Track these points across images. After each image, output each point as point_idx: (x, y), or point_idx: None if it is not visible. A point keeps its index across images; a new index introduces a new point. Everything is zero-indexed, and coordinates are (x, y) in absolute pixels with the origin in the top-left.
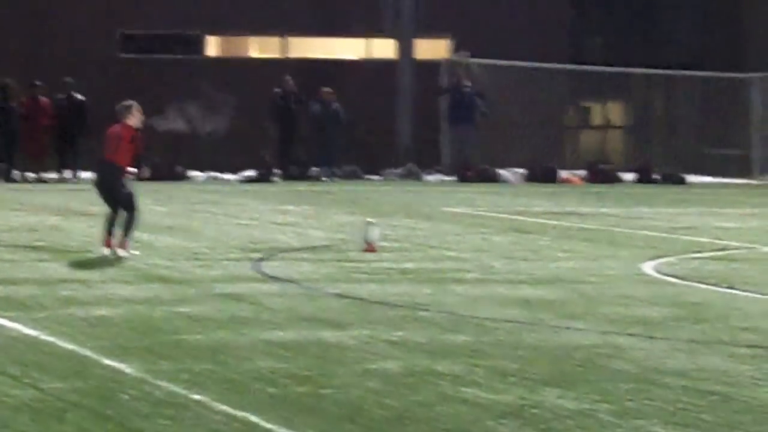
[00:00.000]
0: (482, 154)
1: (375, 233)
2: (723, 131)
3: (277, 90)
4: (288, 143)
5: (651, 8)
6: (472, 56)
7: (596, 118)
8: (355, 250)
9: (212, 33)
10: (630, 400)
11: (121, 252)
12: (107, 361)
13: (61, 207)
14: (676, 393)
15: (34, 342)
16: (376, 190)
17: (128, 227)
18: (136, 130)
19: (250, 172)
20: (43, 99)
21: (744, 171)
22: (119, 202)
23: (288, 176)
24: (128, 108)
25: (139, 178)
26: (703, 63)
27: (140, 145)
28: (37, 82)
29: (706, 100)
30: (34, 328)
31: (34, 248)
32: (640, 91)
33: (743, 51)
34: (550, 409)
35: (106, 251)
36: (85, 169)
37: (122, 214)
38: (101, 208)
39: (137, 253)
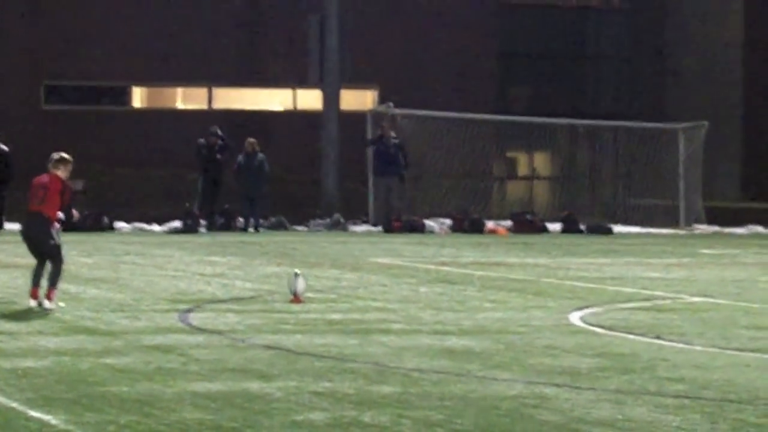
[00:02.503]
0: (408, 205)
1: (301, 284)
2: (649, 181)
3: (201, 140)
4: (213, 194)
5: (576, 60)
6: (398, 107)
7: (522, 169)
8: (282, 301)
9: (138, 84)
10: None
11: (47, 304)
12: (33, 413)
13: None
14: None
15: None
16: (302, 240)
17: (54, 279)
18: (65, 182)
19: (176, 223)
20: None
21: (670, 221)
22: (45, 253)
23: (214, 227)
24: (61, 160)
25: (71, 221)
26: (627, 113)
27: (69, 196)
28: None
29: (632, 150)
30: None
31: None
32: (566, 141)
33: (667, 101)
34: None
35: (32, 303)
36: (10, 220)
37: (48, 266)
38: (27, 259)
39: (63, 305)
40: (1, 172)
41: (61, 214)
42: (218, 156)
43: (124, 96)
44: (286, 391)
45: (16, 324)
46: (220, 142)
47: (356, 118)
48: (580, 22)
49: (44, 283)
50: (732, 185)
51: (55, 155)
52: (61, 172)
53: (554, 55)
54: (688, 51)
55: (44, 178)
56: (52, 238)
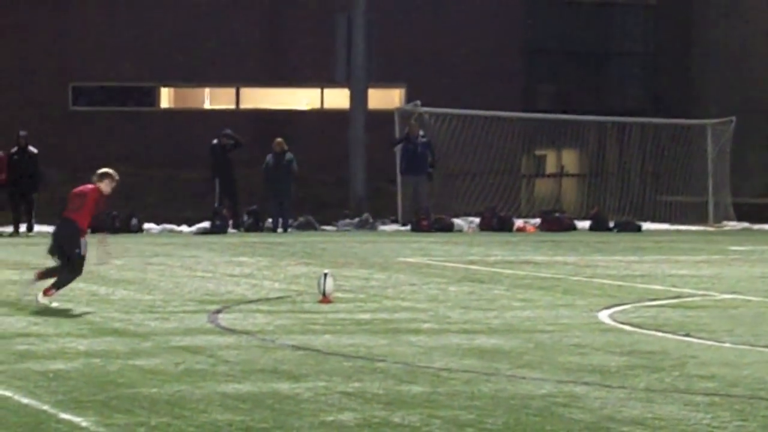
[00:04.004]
0: (436, 204)
1: (330, 284)
2: (677, 178)
3: (214, 141)
4: (232, 193)
5: (602, 57)
6: (425, 105)
7: (550, 166)
8: (311, 301)
9: (166, 85)
10: None
11: (42, 299)
12: (64, 415)
13: (15, 261)
14: None
15: None
16: (330, 240)
17: (62, 283)
18: (103, 195)
19: (205, 224)
20: None
21: (699, 218)
22: (69, 260)
23: (241, 226)
24: (106, 175)
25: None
26: (655, 110)
27: (103, 208)
28: None
29: (660, 147)
30: None
31: None
32: (594, 138)
33: (694, 98)
34: None
35: (32, 280)
36: (40, 222)
37: (65, 270)
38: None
39: (56, 305)
40: (30, 176)
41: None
42: (228, 155)
43: (152, 97)
44: (315, 392)
45: (45, 327)
46: (231, 142)
47: (383, 116)
48: (606, 18)
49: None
50: (761, 181)
51: (102, 170)
52: (105, 186)
53: (580, 52)
54: (715, 46)
55: (85, 187)
56: (79, 248)
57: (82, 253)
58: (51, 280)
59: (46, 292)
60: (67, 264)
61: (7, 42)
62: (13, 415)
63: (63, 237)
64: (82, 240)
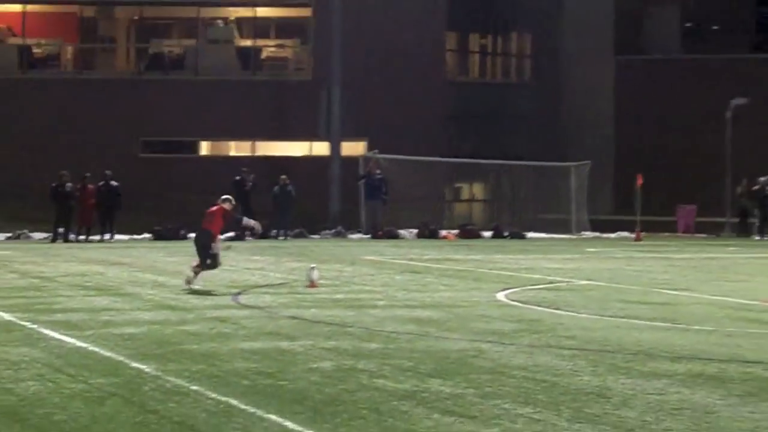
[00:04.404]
0: (388, 220)
1: (315, 274)
2: (551, 202)
3: (237, 177)
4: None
5: (501, 119)
6: (382, 153)
7: (465, 194)
8: (302, 286)
9: (204, 139)
10: (489, 386)
11: (194, 282)
12: (134, 364)
13: (102, 259)
14: (520, 381)
15: (84, 351)
16: (316, 245)
17: (203, 268)
18: (227, 211)
19: (230, 234)
20: (90, 185)
21: (566, 229)
22: (205, 257)
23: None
24: (227, 200)
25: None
26: (537, 156)
27: (229, 220)
28: (87, 174)
29: (540, 181)
30: (84, 342)
31: (84, 287)
32: (494, 176)
33: (564, 147)
34: (434, 393)
35: (187, 270)
36: (120, 233)
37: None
38: (132, 259)
39: (200, 286)
40: (112, 200)
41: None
42: (247, 188)
43: (195, 147)
44: (305, 348)
45: (122, 303)
46: (251, 183)
47: (352, 160)
48: (505, 93)
49: (197, 270)
50: (608, 203)
51: (224, 196)
52: (227, 206)
53: (487, 116)
54: (577, 112)
55: (215, 208)
56: (211, 249)
57: (214, 252)
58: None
59: (195, 273)
60: (205, 260)
61: (98, 109)
62: (99, 364)
63: (201, 242)
64: (214, 244)
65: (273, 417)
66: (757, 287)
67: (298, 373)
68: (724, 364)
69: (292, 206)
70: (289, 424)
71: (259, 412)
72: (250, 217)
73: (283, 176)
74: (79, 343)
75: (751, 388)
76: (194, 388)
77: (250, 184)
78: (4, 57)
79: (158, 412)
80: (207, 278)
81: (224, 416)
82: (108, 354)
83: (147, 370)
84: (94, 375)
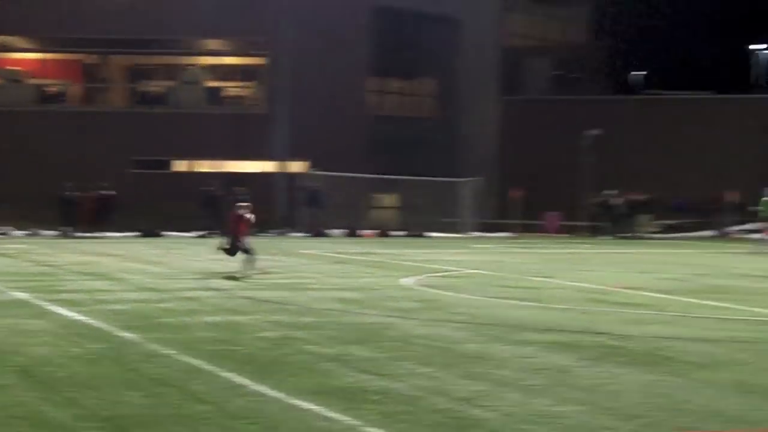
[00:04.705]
0: (322, 223)
1: (260, 264)
2: (447, 208)
3: (203, 188)
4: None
5: (410, 144)
6: (319, 170)
7: (381, 203)
8: (255, 275)
9: (180, 158)
10: (397, 351)
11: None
12: (121, 333)
13: (99, 251)
14: (421, 347)
15: (81, 323)
16: (266, 241)
17: (248, 264)
18: (243, 216)
19: (199, 232)
20: (90, 194)
21: (458, 230)
22: (237, 252)
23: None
24: (244, 207)
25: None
26: (436, 172)
27: (247, 223)
28: (89, 186)
29: (439, 192)
30: (83, 316)
31: (84, 273)
32: (404, 188)
33: (458, 166)
34: (354, 356)
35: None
36: (114, 231)
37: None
38: (122, 251)
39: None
40: (108, 207)
41: (252, 217)
42: (214, 198)
43: (173, 165)
44: (254, 321)
45: (112, 285)
46: (212, 189)
47: (295, 176)
48: (414, 124)
49: (242, 264)
50: (492, 210)
51: (242, 204)
52: (243, 212)
53: (400, 142)
54: (471, 139)
55: (234, 215)
56: (240, 244)
57: (244, 246)
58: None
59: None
60: (242, 252)
61: (97, 135)
62: (93, 333)
63: (226, 240)
64: (238, 241)
65: (228, 374)
66: (605, 275)
67: (248, 341)
68: (578, 335)
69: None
70: (241, 380)
71: (218, 371)
72: (219, 219)
73: (241, 188)
74: (78, 317)
75: (598, 354)
76: (167, 352)
77: (218, 193)
78: (24, 94)
79: (139, 371)
80: (179, 267)
81: (191, 374)
82: (101, 325)
83: (131, 338)
84: (90, 341)
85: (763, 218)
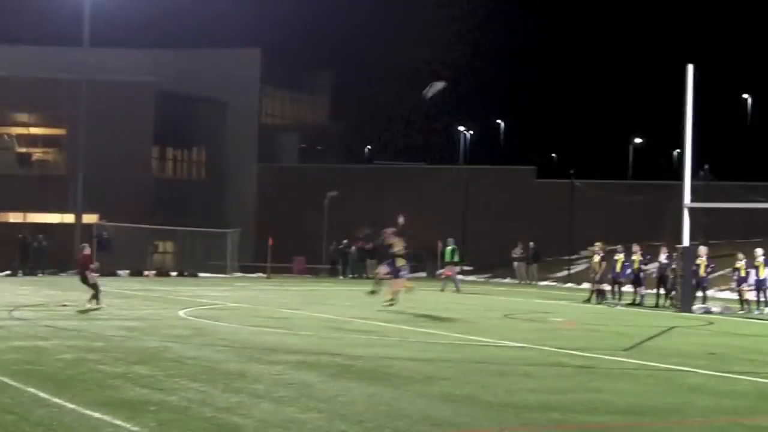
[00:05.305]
0: (111, 263)
1: (59, 298)
2: (215, 254)
3: (19, 236)
4: (24, 260)
5: (186, 202)
6: (109, 221)
7: (161, 248)
8: (54, 306)
9: None
10: (172, 370)
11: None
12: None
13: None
14: (192, 367)
15: None
16: (65, 280)
17: (93, 297)
18: (89, 256)
19: (7, 272)
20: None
21: (223, 271)
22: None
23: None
24: (84, 247)
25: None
26: (209, 225)
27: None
28: None
29: (208, 241)
30: None
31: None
32: (180, 237)
33: (225, 218)
34: (137, 374)
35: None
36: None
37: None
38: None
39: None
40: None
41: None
42: (25, 243)
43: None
44: (53, 345)
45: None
46: (26, 236)
47: (90, 226)
48: (188, 186)
49: None
50: (250, 255)
51: (84, 245)
52: (87, 252)
53: (177, 200)
54: (234, 198)
55: (83, 255)
56: (87, 280)
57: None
58: None
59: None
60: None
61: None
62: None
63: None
64: (86, 279)
65: (32, 390)
66: (340, 309)
67: (49, 361)
68: (319, 356)
69: (46, 254)
70: (42, 394)
71: (23, 387)
72: (26, 261)
73: (40, 235)
74: None
75: (335, 371)
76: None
77: (28, 239)
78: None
79: None
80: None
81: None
82: None
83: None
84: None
85: (447, 263)
